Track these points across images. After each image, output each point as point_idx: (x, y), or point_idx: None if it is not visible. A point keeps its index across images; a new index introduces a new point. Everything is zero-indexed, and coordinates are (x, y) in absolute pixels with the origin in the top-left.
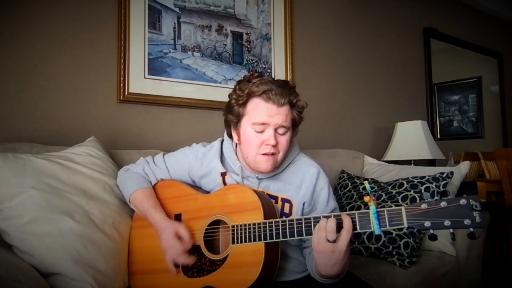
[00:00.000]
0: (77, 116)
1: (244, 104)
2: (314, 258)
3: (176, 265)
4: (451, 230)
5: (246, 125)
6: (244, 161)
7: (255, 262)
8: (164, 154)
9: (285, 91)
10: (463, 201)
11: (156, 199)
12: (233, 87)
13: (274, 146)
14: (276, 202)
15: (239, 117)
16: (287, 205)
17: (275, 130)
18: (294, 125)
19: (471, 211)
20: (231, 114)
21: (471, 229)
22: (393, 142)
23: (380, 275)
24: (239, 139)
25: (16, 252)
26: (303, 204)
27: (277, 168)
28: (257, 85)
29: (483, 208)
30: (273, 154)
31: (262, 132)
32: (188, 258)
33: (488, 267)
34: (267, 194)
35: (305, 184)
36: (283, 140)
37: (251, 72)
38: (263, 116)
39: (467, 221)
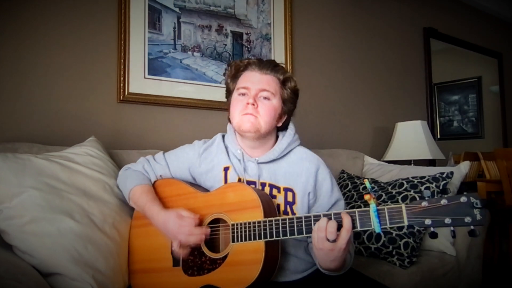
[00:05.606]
0: (77, 116)
1: (235, 78)
2: (314, 253)
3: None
4: (452, 228)
5: (234, 93)
6: (243, 144)
7: (255, 260)
8: (164, 152)
9: (270, 66)
10: (463, 199)
11: (154, 194)
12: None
13: (254, 105)
14: (279, 192)
15: (230, 91)
16: (290, 194)
17: (257, 94)
18: (286, 104)
19: (472, 208)
20: (227, 91)
21: (472, 227)
22: (393, 142)
23: (380, 275)
24: (229, 110)
25: (16, 252)
26: (308, 194)
27: (275, 152)
28: (244, 62)
29: (483, 205)
30: (254, 115)
31: (244, 95)
32: (201, 233)
33: (488, 267)
34: (269, 184)
35: (306, 173)
36: (264, 105)
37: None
38: (246, 82)
39: (467, 219)
